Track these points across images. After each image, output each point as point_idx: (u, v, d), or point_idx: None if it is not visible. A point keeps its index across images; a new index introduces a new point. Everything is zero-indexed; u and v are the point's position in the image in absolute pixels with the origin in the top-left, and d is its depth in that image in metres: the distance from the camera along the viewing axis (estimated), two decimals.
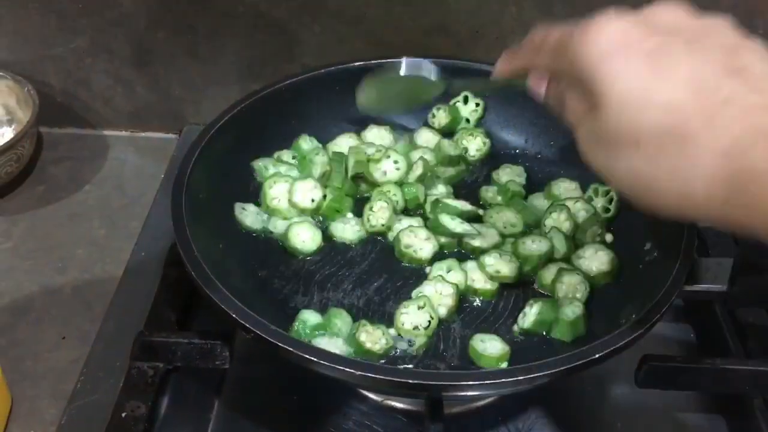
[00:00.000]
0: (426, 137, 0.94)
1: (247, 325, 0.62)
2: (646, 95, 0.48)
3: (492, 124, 0.96)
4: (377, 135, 0.94)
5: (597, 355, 0.60)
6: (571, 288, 0.76)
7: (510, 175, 0.90)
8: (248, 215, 0.83)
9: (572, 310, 0.73)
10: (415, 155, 0.91)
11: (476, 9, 1.00)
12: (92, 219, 0.98)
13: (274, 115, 0.90)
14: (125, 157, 1.08)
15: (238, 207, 0.83)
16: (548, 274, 0.78)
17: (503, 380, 0.59)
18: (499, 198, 0.88)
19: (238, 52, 1.05)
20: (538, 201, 0.88)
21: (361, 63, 0.92)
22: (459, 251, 0.82)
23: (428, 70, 0.82)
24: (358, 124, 0.95)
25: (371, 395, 0.76)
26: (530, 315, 0.74)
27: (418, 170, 0.88)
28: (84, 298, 0.87)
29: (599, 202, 0.85)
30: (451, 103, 0.96)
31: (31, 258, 0.92)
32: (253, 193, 0.86)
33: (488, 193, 0.89)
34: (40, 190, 1.02)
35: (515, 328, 0.74)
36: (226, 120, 0.83)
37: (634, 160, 0.49)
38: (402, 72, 0.84)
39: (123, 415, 0.69)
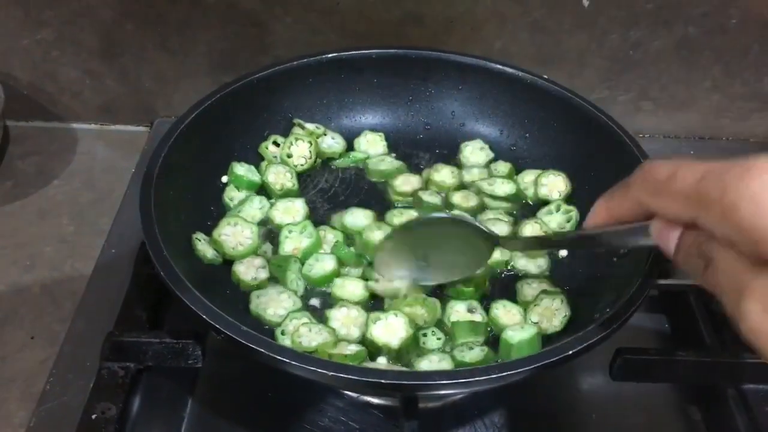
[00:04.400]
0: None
1: (218, 327, 0.61)
2: None
3: (466, 116, 0.95)
4: (371, 141, 0.94)
5: (570, 352, 0.60)
6: (548, 312, 0.74)
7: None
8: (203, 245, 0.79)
9: (516, 350, 0.70)
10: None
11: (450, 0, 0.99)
12: (61, 215, 0.96)
13: (246, 107, 0.88)
14: (95, 151, 1.06)
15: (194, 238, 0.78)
16: (529, 290, 0.77)
17: (476, 378, 0.58)
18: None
19: (209, 44, 1.03)
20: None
21: (334, 55, 0.92)
22: None
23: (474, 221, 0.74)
24: (331, 115, 0.94)
25: (347, 392, 0.75)
26: (467, 354, 0.71)
27: None
28: (53, 297, 0.86)
29: (557, 218, 0.85)
30: None
31: None
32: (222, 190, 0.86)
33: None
34: (7, 186, 1.00)
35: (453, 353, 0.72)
36: (196, 114, 0.82)
37: None
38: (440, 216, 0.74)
39: (93, 416, 0.68)
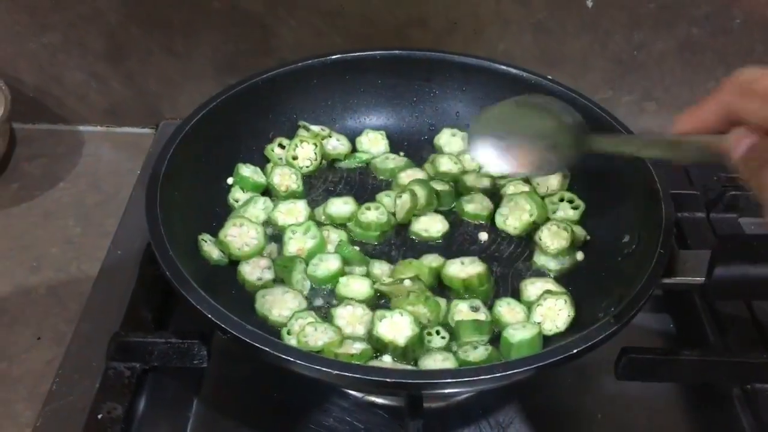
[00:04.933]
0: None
1: (224, 326, 0.61)
2: None
3: (471, 117, 0.95)
4: (372, 140, 0.94)
5: (575, 351, 0.60)
6: (551, 313, 0.75)
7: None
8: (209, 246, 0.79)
9: (516, 349, 0.70)
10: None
11: (453, 2, 0.99)
12: (67, 217, 0.96)
13: (251, 109, 0.89)
14: (101, 153, 1.07)
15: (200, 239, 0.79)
16: (533, 289, 0.77)
17: (482, 377, 0.58)
18: None
19: (214, 47, 1.03)
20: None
21: (338, 56, 0.92)
22: None
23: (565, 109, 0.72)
24: (335, 116, 0.95)
25: (352, 392, 0.76)
26: (471, 353, 0.71)
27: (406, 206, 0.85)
28: (59, 298, 0.86)
29: (564, 208, 0.86)
30: None
31: (4, 257, 0.90)
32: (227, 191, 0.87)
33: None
34: (13, 188, 1.00)
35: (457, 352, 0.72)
36: (201, 116, 0.82)
37: None
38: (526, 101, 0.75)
39: (99, 416, 0.68)
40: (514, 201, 0.85)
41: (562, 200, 0.87)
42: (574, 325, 0.73)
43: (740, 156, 0.48)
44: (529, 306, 0.75)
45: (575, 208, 0.86)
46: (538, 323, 0.73)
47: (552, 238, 0.81)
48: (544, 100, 0.76)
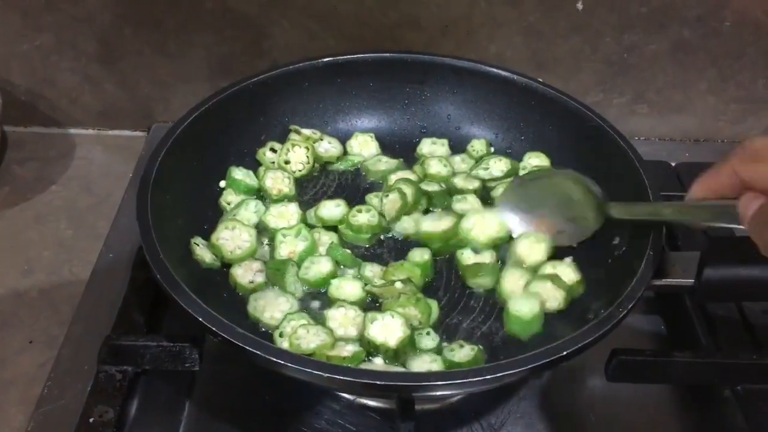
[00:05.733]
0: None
1: (215, 329, 0.61)
2: None
3: (462, 120, 0.96)
4: (362, 143, 0.94)
5: (565, 353, 0.60)
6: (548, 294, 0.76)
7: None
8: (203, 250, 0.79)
9: (529, 307, 0.73)
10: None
11: (446, 4, 0.99)
12: (59, 220, 0.96)
13: (242, 112, 0.89)
14: (92, 156, 1.07)
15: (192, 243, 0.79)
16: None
17: (471, 379, 0.58)
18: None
19: (207, 48, 1.04)
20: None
21: (330, 59, 0.92)
22: None
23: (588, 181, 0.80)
24: (327, 119, 0.95)
25: (343, 394, 0.76)
26: (457, 354, 0.71)
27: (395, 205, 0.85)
28: (51, 301, 0.86)
29: None
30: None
31: None
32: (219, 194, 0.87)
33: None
34: (5, 191, 1.00)
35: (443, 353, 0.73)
36: (193, 119, 0.82)
37: None
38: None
39: (91, 420, 0.68)
40: None
41: None
42: (564, 328, 0.73)
43: (749, 218, 0.52)
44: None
45: None
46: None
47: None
48: (567, 174, 0.84)
